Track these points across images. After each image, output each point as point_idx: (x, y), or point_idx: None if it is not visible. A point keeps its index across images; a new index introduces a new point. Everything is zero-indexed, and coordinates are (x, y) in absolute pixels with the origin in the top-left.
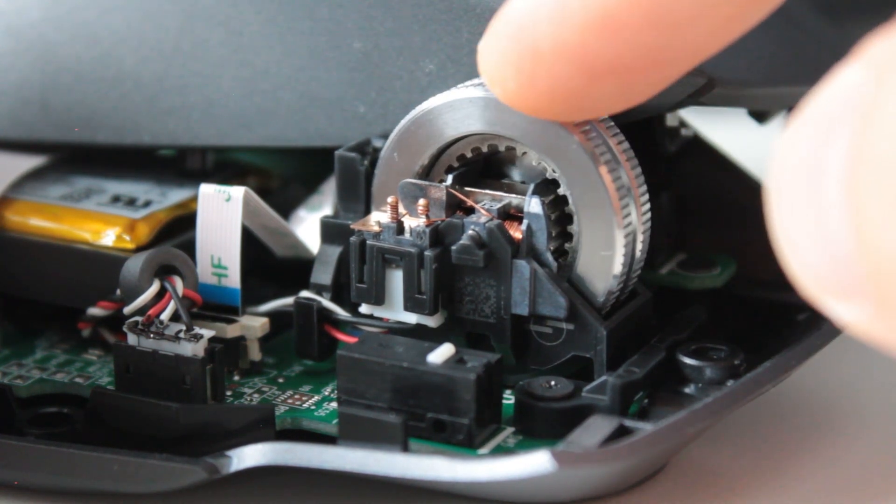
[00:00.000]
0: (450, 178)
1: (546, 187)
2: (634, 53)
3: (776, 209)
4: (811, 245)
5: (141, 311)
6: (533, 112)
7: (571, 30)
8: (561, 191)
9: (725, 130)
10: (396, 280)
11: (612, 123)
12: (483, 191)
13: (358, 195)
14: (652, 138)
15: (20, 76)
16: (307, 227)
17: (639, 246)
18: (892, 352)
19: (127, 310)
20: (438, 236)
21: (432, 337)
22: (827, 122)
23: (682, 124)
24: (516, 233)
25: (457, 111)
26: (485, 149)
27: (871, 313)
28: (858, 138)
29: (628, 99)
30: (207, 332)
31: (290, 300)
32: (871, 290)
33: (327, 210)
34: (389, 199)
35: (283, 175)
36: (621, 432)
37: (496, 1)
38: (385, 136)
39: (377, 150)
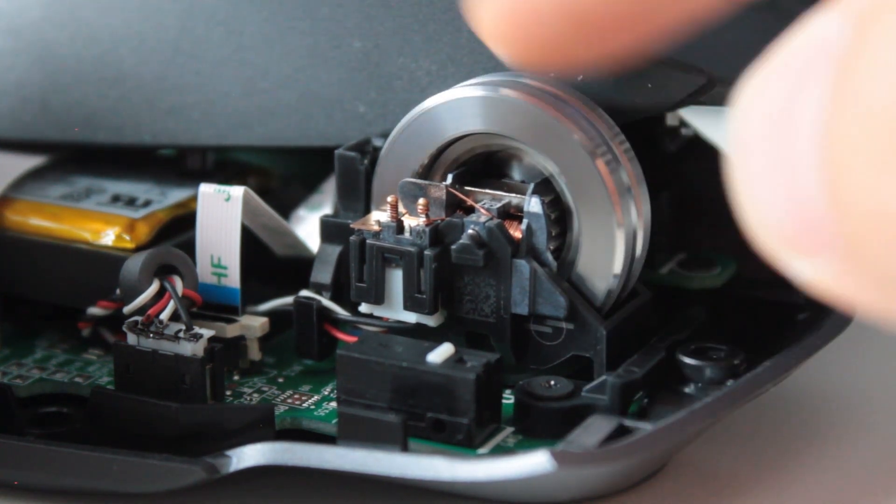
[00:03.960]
0: (450, 178)
1: (546, 187)
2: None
3: (737, 161)
4: (775, 198)
5: (141, 310)
6: (525, 64)
7: None
8: (561, 190)
9: (726, 130)
10: (396, 279)
11: (613, 123)
12: (483, 190)
13: (358, 194)
14: (652, 138)
15: (20, 76)
16: (307, 227)
17: (639, 245)
18: (853, 308)
19: (127, 309)
20: (438, 236)
21: (432, 336)
22: (799, 73)
23: (682, 124)
24: (516, 232)
25: (457, 111)
26: (485, 148)
27: (837, 270)
28: (836, 90)
29: (614, 50)
30: (207, 332)
31: (289, 300)
32: (842, 246)
33: (327, 209)
34: (389, 199)
35: (283, 175)
36: (621, 432)
37: None
38: (385, 136)
39: (377, 150)
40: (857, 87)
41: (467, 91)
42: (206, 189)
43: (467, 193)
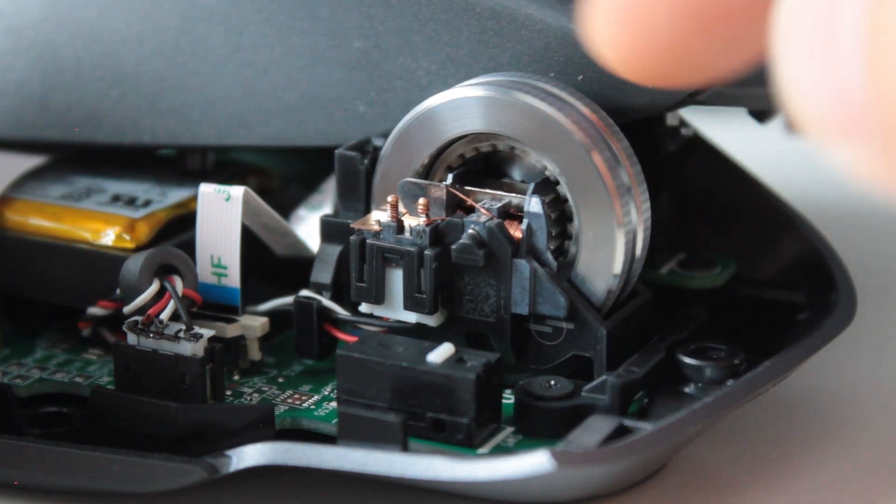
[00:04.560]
0: (450, 178)
1: (546, 186)
2: None
3: (782, 45)
4: (816, 81)
5: (141, 310)
6: (646, 77)
7: None
8: (561, 190)
9: (725, 130)
10: (396, 279)
11: (613, 123)
12: (483, 190)
13: (358, 194)
14: (652, 138)
15: (20, 76)
16: (307, 226)
17: (639, 245)
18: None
19: (127, 309)
20: (438, 235)
21: (432, 336)
22: None
23: (682, 124)
24: (516, 232)
25: (457, 110)
26: (485, 148)
27: (876, 154)
28: None
29: (742, 53)
30: (207, 332)
31: (289, 299)
32: (880, 129)
33: (327, 209)
34: (389, 198)
35: (283, 175)
36: (621, 432)
37: (496, 1)
38: (385, 136)
39: (377, 150)
40: None
41: (467, 91)
42: (206, 189)
43: (467, 193)
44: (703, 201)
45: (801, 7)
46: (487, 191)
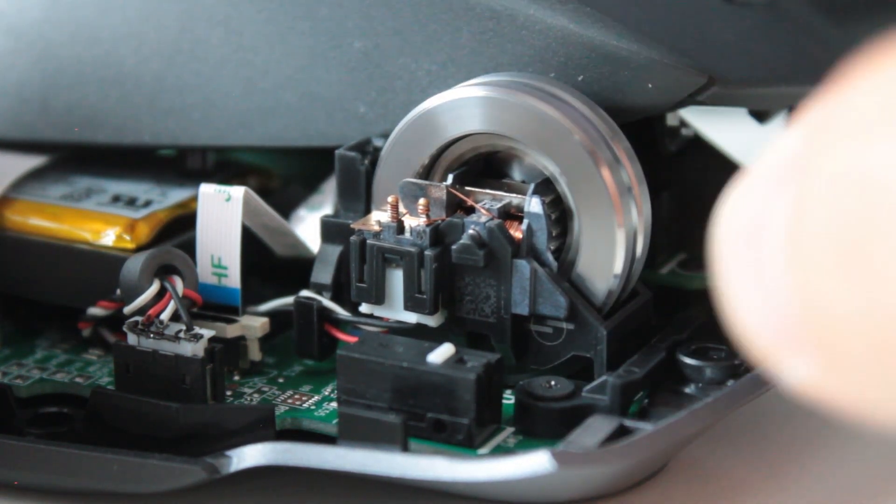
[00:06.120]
0: (450, 178)
1: (546, 187)
2: None
3: (720, 270)
4: (754, 304)
5: (141, 310)
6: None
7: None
8: (561, 190)
9: (725, 130)
10: (396, 279)
11: (613, 123)
12: (483, 190)
13: (358, 194)
14: (652, 138)
15: (20, 76)
16: (307, 227)
17: (639, 245)
18: (840, 412)
19: (127, 310)
20: (439, 236)
21: (432, 336)
22: (767, 186)
23: (683, 124)
24: (516, 232)
25: (457, 111)
26: (485, 148)
27: (818, 369)
28: (795, 201)
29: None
30: (207, 332)
31: (290, 300)
32: (815, 347)
33: (327, 209)
34: (390, 199)
35: (283, 175)
36: (621, 432)
37: (496, 1)
38: (385, 136)
39: (377, 150)
40: (808, 194)
41: (467, 91)
42: (207, 189)
43: (468, 193)
44: (703, 201)
45: (733, 236)
46: (487, 191)
